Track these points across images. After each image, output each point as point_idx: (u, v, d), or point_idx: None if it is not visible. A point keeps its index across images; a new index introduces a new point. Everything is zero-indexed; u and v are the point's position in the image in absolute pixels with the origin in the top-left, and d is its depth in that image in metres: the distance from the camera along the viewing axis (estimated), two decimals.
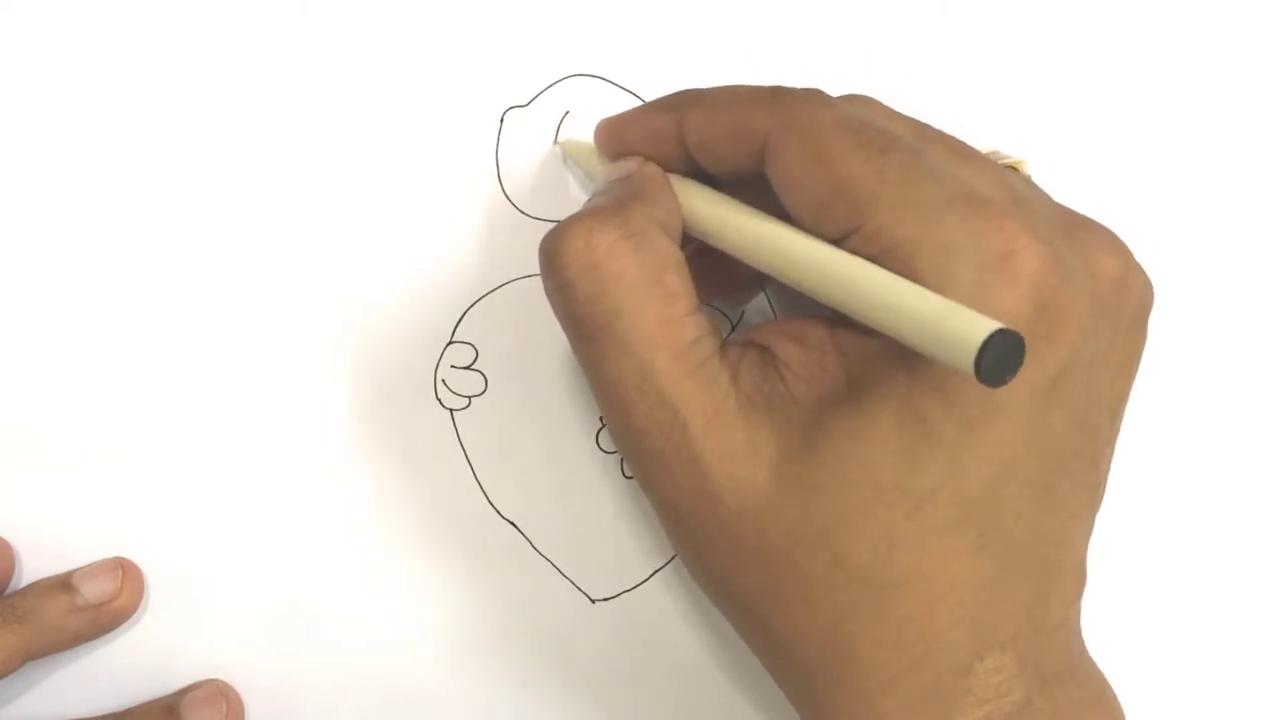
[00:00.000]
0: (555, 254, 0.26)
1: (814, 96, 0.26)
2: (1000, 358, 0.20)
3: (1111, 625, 0.31)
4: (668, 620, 0.32)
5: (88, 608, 0.31)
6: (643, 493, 0.27)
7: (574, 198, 0.32)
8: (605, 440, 0.32)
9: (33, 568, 0.32)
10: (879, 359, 0.24)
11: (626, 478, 0.32)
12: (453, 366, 0.32)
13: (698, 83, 0.32)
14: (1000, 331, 0.20)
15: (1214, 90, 0.33)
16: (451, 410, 0.32)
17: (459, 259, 0.32)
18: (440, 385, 0.32)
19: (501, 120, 0.32)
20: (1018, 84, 0.33)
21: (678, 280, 0.25)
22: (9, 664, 0.30)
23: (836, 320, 0.25)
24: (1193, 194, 0.33)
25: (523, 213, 0.32)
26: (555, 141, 0.32)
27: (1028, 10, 0.33)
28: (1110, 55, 0.33)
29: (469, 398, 0.32)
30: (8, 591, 0.32)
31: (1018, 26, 0.33)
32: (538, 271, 0.32)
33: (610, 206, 0.26)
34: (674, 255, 0.26)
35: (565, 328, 0.26)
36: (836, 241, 0.24)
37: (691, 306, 0.25)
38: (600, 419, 0.32)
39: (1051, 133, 0.33)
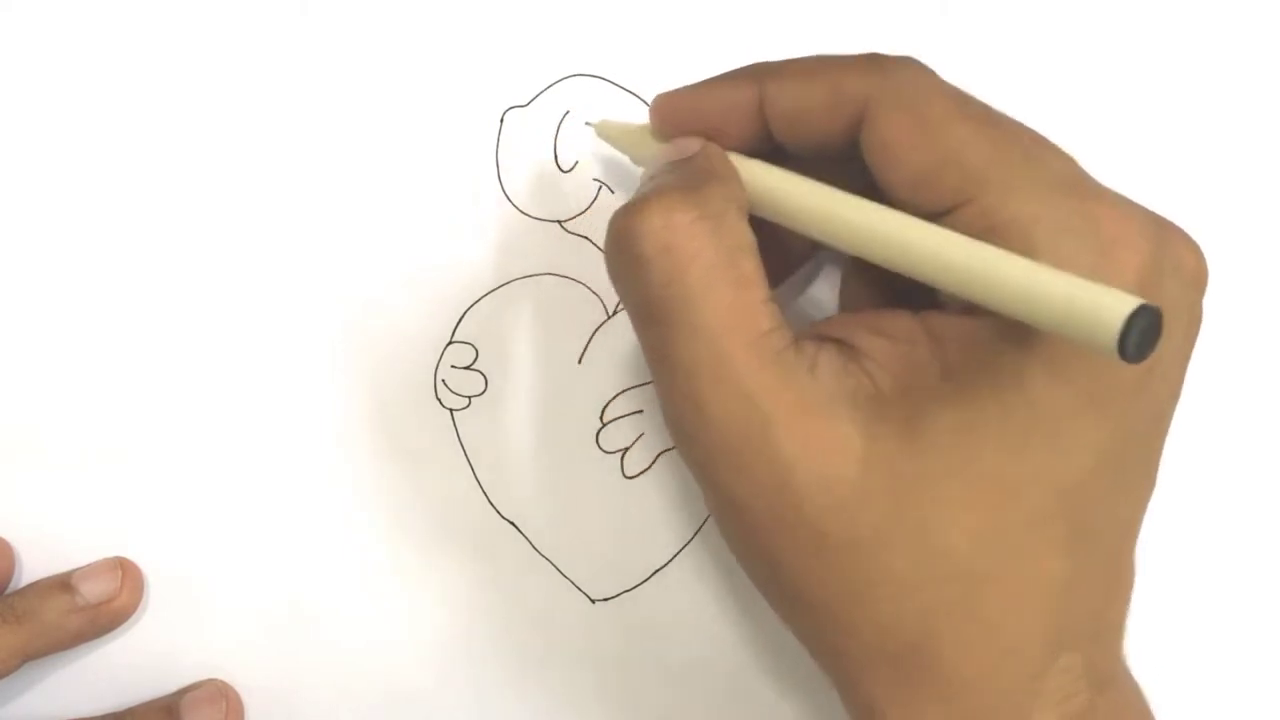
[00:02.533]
0: (628, 230, 0.24)
1: (915, 64, 0.25)
2: (1144, 335, 0.20)
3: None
4: (668, 620, 0.32)
5: (88, 608, 0.31)
6: (700, 491, 0.25)
7: (574, 196, 0.32)
8: (605, 440, 0.32)
9: (33, 568, 0.32)
10: (983, 342, 0.23)
11: (627, 478, 0.32)
12: (453, 366, 0.32)
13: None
14: (1143, 307, 0.20)
15: (1218, 87, 0.33)
16: (451, 410, 0.32)
17: (459, 259, 0.32)
18: (440, 385, 0.32)
19: (501, 120, 0.32)
20: (1017, 83, 0.33)
21: (753, 266, 0.24)
22: (8, 664, 0.30)
23: (924, 307, 0.24)
24: (1197, 193, 0.33)
25: (523, 213, 0.32)
26: (587, 123, 0.31)
27: (1028, 9, 0.33)
28: (1111, 53, 0.33)
29: (469, 398, 0.32)
30: (8, 591, 0.32)
31: (1018, 25, 0.33)
32: (538, 271, 0.32)
33: (687, 185, 0.25)
34: (749, 239, 0.24)
35: (632, 310, 0.25)
36: (935, 216, 0.23)
37: (766, 294, 0.24)
38: (601, 417, 0.32)
39: (1050, 131, 0.33)
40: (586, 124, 0.31)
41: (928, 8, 0.33)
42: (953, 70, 0.33)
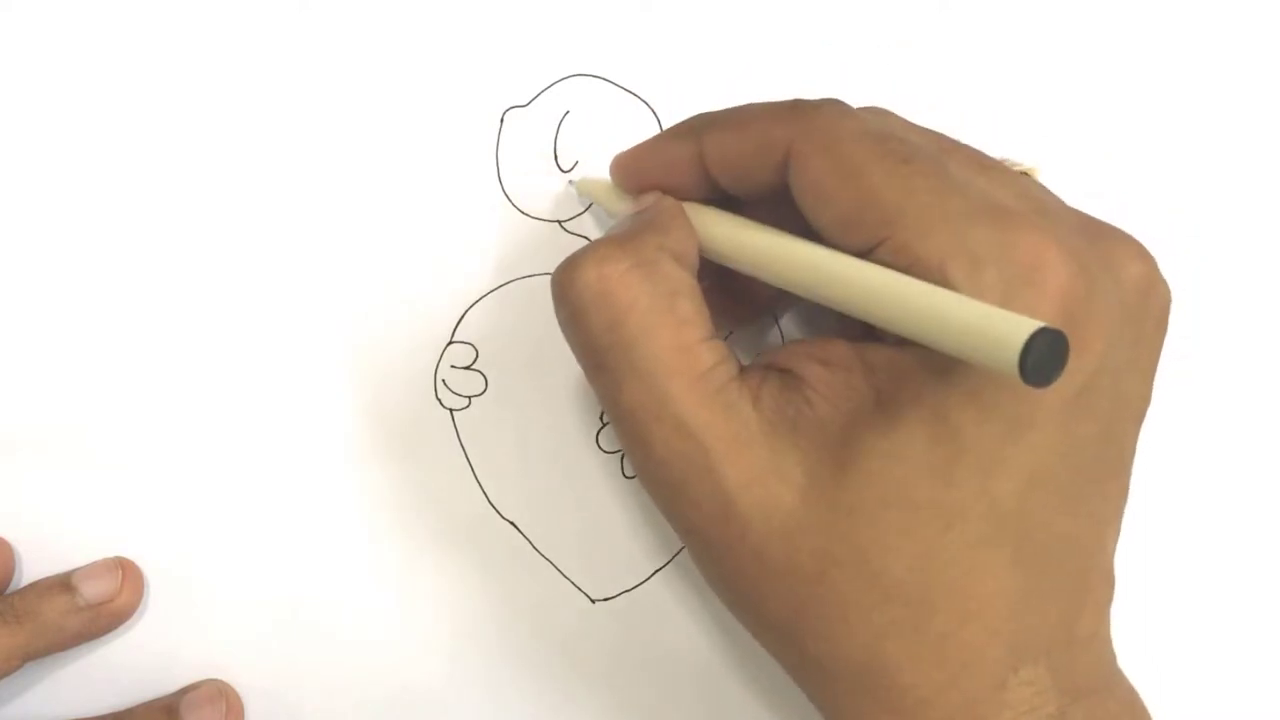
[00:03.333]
0: (566, 285, 0.25)
1: (834, 107, 0.26)
2: (1044, 357, 0.20)
3: (1129, 632, 0.31)
4: (668, 620, 0.32)
5: (88, 608, 0.31)
6: (667, 522, 0.26)
7: (574, 196, 0.32)
8: (605, 440, 0.32)
9: (33, 568, 0.32)
10: (910, 373, 0.24)
11: (627, 478, 0.32)
12: (453, 366, 0.32)
13: (695, 82, 0.32)
14: (1043, 330, 0.20)
15: (1216, 83, 0.33)
16: (451, 410, 0.32)
17: (459, 259, 0.32)
18: (440, 385, 0.32)
19: (501, 120, 0.32)
20: (1015, 77, 0.33)
21: (690, 307, 0.25)
22: (9, 664, 0.30)
23: (862, 337, 0.25)
24: (1199, 192, 0.33)
25: (523, 213, 0.32)
26: (570, 181, 0.32)
27: (1027, 4, 0.33)
28: (1109, 48, 0.33)
29: (469, 398, 0.32)
30: (8, 591, 0.32)
31: (1016, 20, 0.33)
32: (538, 271, 0.32)
33: (621, 237, 0.26)
34: (686, 282, 0.26)
35: (580, 359, 0.26)
36: (862, 254, 0.24)
37: (706, 333, 0.25)
38: (601, 418, 0.32)
39: (1049, 130, 0.33)
40: (570, 183, 0.32)
41: (927, 3, 0.33)
42: (951, 65, 0.33)
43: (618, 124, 0.32)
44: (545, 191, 0.32)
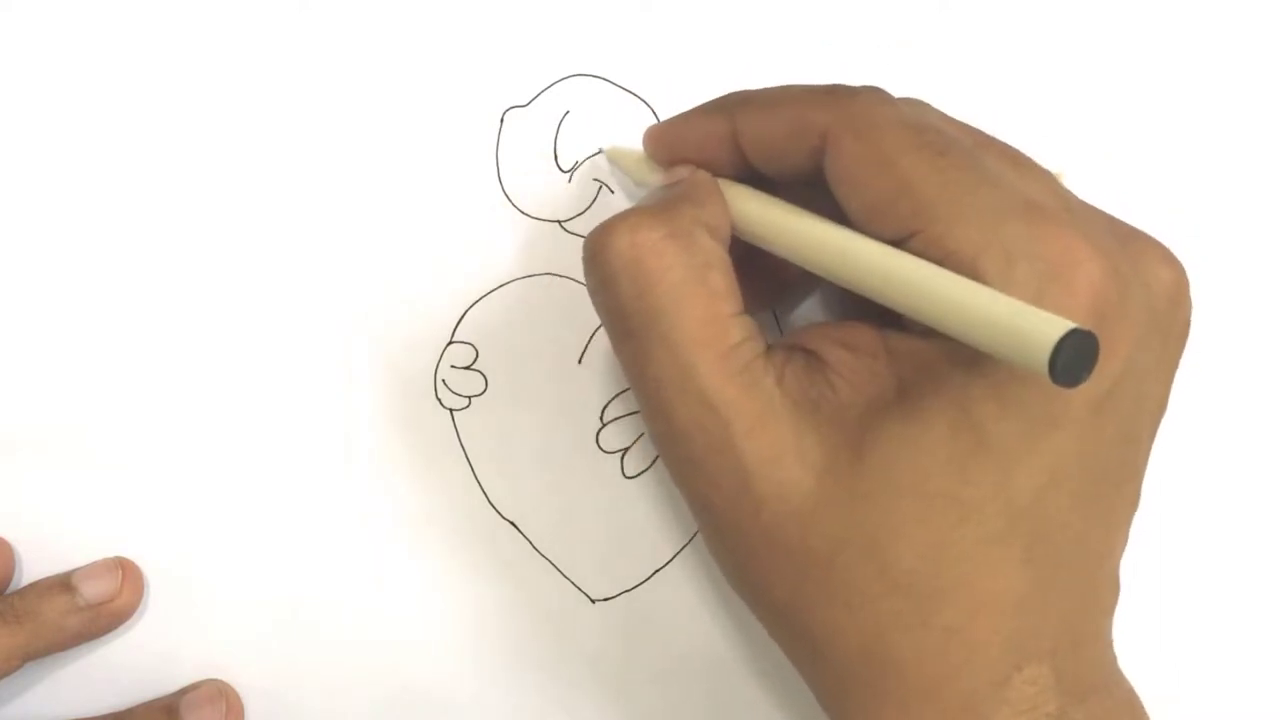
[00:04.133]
0: (598, 250, 0.25)
1: (873, 94, 0.26)
2: (1075, 358, 0.20)
3: (1129, 632, 0.31)
4: (668, 620, 0.32)
5: (88, 608, 0.31)
6: (682, 499, 0.26)
7: (574, 196, 0.32)
8: (606, 440, 0.32)
9: (33, 568, 0.32)
10: (934, 364, 0.24)
11: (627, 478, 0.32)
12: (453, 366, 0.32)
13: (695, 82, 0.32)
14: (1075, 331, 0.20)
15: (1216, 83, 0.33)
16: (451, 410, 0.32)
17: (459, 259, 0.32)
18: (440, 385, 0.32)
19: (501, 120, 0.32)
20: (1016, 77, 0.33)
21: (722, 281, 0.25)
22: (9, 664, 0.31)
23: (887, 324, 0.25)
24: (1199, 192, 0.33)
25: (523, 213, 0.32)
26: (600, 149, 0.32)
27: (1027, 4, 0.33)
28: (1109, 48, 0.33)
29: (469, 398, 0.32)
30: (8, 591, 0.32)
31: (1016, 20, 0.33)
32: (538, 271, 0.32)
33: (655, 206, 0.26)
34: (719, 255, 0.26)
35: (607, 326, 0.26)
36: (894, 244, 0.24)
37: (736, 308, 0.25)
38: (601, 418, 0.32)
39: (1048, 126, 0.33)
40: (600, 149, 0.32)
41: (927, 3, 0.33)
42: (951, 65, 0.33)
43: (618, 124, 0.32)
44: (545, 191, 0.32)
